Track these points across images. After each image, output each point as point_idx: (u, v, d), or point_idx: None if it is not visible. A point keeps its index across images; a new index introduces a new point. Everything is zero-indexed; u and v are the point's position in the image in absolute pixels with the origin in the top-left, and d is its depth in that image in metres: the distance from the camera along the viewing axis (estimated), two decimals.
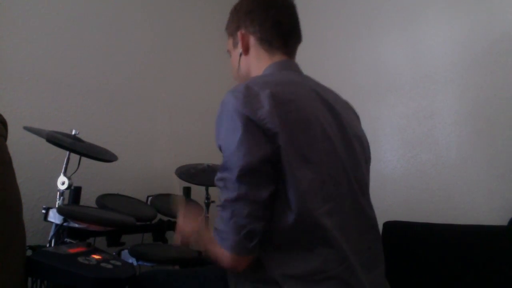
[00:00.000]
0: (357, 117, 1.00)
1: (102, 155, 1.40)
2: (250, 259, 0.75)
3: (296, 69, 0.97)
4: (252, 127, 0.73)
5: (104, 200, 1.45)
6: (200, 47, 2.35)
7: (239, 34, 0.98)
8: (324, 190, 0.76)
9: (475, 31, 1.66)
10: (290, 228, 0.74)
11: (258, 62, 0.96)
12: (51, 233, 1.20)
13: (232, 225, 0.73)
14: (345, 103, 0.96)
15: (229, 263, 0.75)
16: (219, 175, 0.77)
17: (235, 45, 1.01)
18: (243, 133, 0.72)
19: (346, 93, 0.96)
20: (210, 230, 0.82)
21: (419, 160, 1.77)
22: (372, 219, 0.91)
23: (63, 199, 1.29)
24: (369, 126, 0.97)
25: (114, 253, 1.32)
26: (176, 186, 1.12)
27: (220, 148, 0.79)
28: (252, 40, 0.97)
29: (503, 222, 1.44)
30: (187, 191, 1.94)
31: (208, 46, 2.35)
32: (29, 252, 1.04)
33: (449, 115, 1.70)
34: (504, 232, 1.32)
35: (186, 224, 0.94)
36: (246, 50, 0.98)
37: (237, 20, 0.99)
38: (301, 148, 0.75)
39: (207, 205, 1.83)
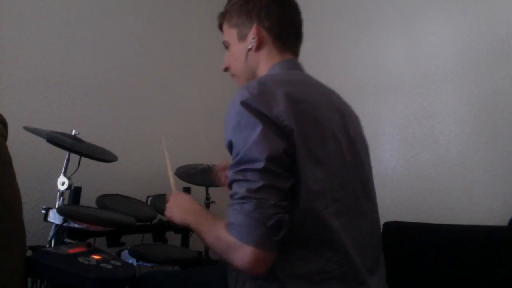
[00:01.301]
0: (358, 119, 1.01)
1: (102, 155, 1.40)
2: (272, 258, 0.69)
3: (302, 69, 0.96)
4: (270, 123, 0.72)
5: (104, 200, 1.45)
6: (200, 47, 2.35)
7: (254, 28, 0.92)
8: (332, 191, 0.76)
9: (475, 31, 1.66)
10: (296, 226, 0.72)
11: (268, 59, 0.94)
12: (51, 233, 1.20)
13: (257, 216, 0.67)
14: (347, 104, 0.96)
15: (249, 262, 0.67)
16: (236, 168, 0.72)
17: (241, 37, 0.95)
18: (263, 127, 0.71)
19: (346, 93, 0.96)
20: (212, 220, 0.79)
21: (419, 160, 1.77)
22: (376, 221, 0.90)
23: (63, 199, 1.28)
24: (369, 126, 0.97)
25: (114, 254, 1.32)
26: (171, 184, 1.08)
27: (230, 144, 0.76)
28: (266, 36, 0.93)
29: (503, 222, 1.44)
30: (187, 191, 1.95)
31: (208, 46, 2.35)
32: (29, 252, 1.04)
33: (449, 115, 1.70)
34: (504, 232, 1.32)
35: (176, 211, 0.90)
36: (259, 46, 0.93)
37: (248, 12, 0.94)
38: (313, 148, 0.75)
39: (207, 205, 1.83)
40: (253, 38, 0.93)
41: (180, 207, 0.90)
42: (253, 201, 0.67)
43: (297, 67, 0.95)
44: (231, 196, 0.72)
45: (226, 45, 1.02)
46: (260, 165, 0.68)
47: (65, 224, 1.16)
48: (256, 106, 0.73)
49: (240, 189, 0.70)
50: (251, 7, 0.94)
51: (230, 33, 0.99)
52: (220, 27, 1.04)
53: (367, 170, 0.91)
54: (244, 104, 0.73)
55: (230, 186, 0.74)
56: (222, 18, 1.02)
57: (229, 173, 0.74)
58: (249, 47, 0.94)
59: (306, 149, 0.73)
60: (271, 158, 0.69)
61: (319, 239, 0.74)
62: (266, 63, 0.94)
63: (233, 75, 1.04)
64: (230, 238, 0.69)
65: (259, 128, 0.71)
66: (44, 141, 1.22)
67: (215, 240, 0.74)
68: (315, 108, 0.79)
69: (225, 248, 0.71)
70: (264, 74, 0.92)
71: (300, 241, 0.72)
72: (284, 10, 0.95)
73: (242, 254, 0.67)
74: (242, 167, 0.71)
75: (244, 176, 0.70)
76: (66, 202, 1.35)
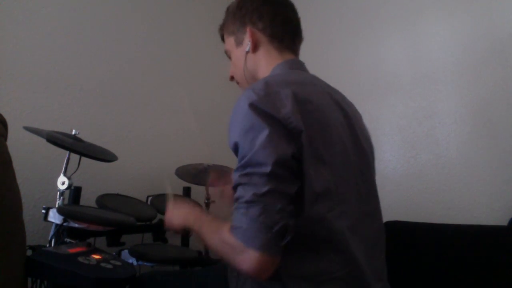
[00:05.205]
0: (361, 118, 1.00)
1: (102, 155, 1.40)
2: (277, 262, 0.68)
3: (305, 69, 0.96)
4: (277, 124, 0.71)
5: (104, 200, 1.45)
6: (201, 47, 2.35)
7: (248, 30, 0.93)
8: (338, 192, 0.76)
9: (475, 31, 1.66)
10: (299, 228, 0.71)
11: (267, 60, 0.94)
12: (51, 233, 1.20)
13: (263, 221, 0.66)
14: (351, 104, 0.96)
15: (254, 266, 0.66)
16: (242, 171, 0.71)
17: (238, 43, 0.97)
18: (270, 131, 0.70)
19: (346, 93, 0.96)
20: (215, 222, 0.78)
21: (419, 160, 1.77)
22: (381, 222, 0.90)
23: (63, 199, 1.29)
24: (369, 126, 0.96)
25: (114, 253, 1.32)
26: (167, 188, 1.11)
27: (235, 146, 0.75)
28: (261, 37, 0.93)
29: (503, 222, 1.44)
30: (187, 191, 1.95)
31: (208, 46, 2.35)
32: (29, 252, 1.04)
33: (449, 115, 1.70)
34: (504, 232, 1.32)
35: (175, 215, 0.90)
36: (255, 48, 0.94)
37: (241, 17, 0.96)
38: (319, 148, 0.74)
39: (207, 205, 1.83)
40: (249, 40, 0.94)
41: (180, 211, 0.90)
42: (259, 205, 0.67)
43: (300, 67, 0.95)
44: (236, 199, 0.71)
45: (229, 55, 1.03)
46: (267, 169, 0.68)
47: (65, 224, 1.16)
48: (263, 108, 0.72)
49: (246, 193, 0.69)
50: (243, 12, 0.96)
51: (229, 41, 1.01)
52: (222, 39, 1.05)
53: (372, 170, 0.90)
54: (251, 106, 0.72)
55: (234, 188, 0.73)
56: (222, 29, 1.04)
57: (234, 176, 0.72)
58: (246, 49, 0.94)
59: (313, 149, 0.73)
60: (277, 163, 0.68)
61: (322, 241, 0.73)
62: (266, 64, 0.94)
63: (237, 83, 1.04)
64: (236, 242, 0.68)
65: (266, 131, 0.70)
66: (44, 141, 1.22)
67: (220, 243, 0.73)
68: (320, 109, 0.78)
69: (230, 251, 0.70)
70: (268, 75, 0.92)
71: (303, 242, 0.71)
72: (276, 10, 0.95)
73: (248, 258, 0.66)
74: (248, 170, 0.70)
75: (250, 180, 0.69)
76: (66, 202, 1.35)
